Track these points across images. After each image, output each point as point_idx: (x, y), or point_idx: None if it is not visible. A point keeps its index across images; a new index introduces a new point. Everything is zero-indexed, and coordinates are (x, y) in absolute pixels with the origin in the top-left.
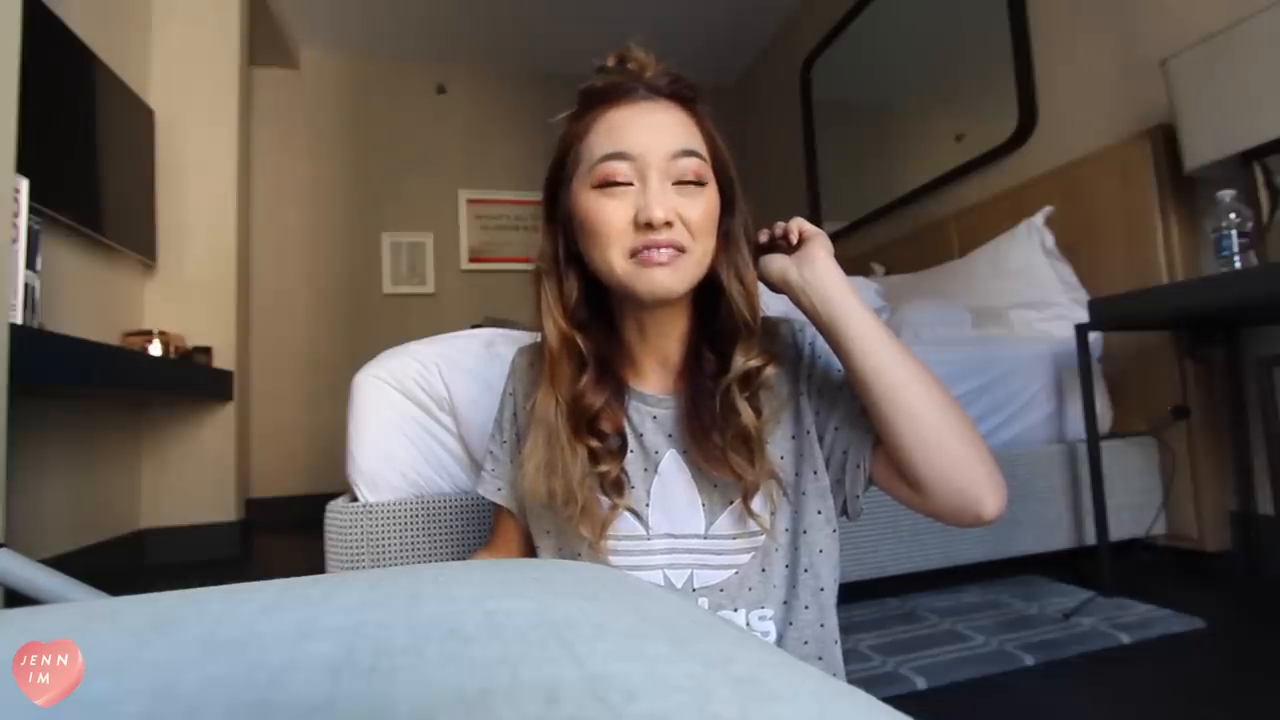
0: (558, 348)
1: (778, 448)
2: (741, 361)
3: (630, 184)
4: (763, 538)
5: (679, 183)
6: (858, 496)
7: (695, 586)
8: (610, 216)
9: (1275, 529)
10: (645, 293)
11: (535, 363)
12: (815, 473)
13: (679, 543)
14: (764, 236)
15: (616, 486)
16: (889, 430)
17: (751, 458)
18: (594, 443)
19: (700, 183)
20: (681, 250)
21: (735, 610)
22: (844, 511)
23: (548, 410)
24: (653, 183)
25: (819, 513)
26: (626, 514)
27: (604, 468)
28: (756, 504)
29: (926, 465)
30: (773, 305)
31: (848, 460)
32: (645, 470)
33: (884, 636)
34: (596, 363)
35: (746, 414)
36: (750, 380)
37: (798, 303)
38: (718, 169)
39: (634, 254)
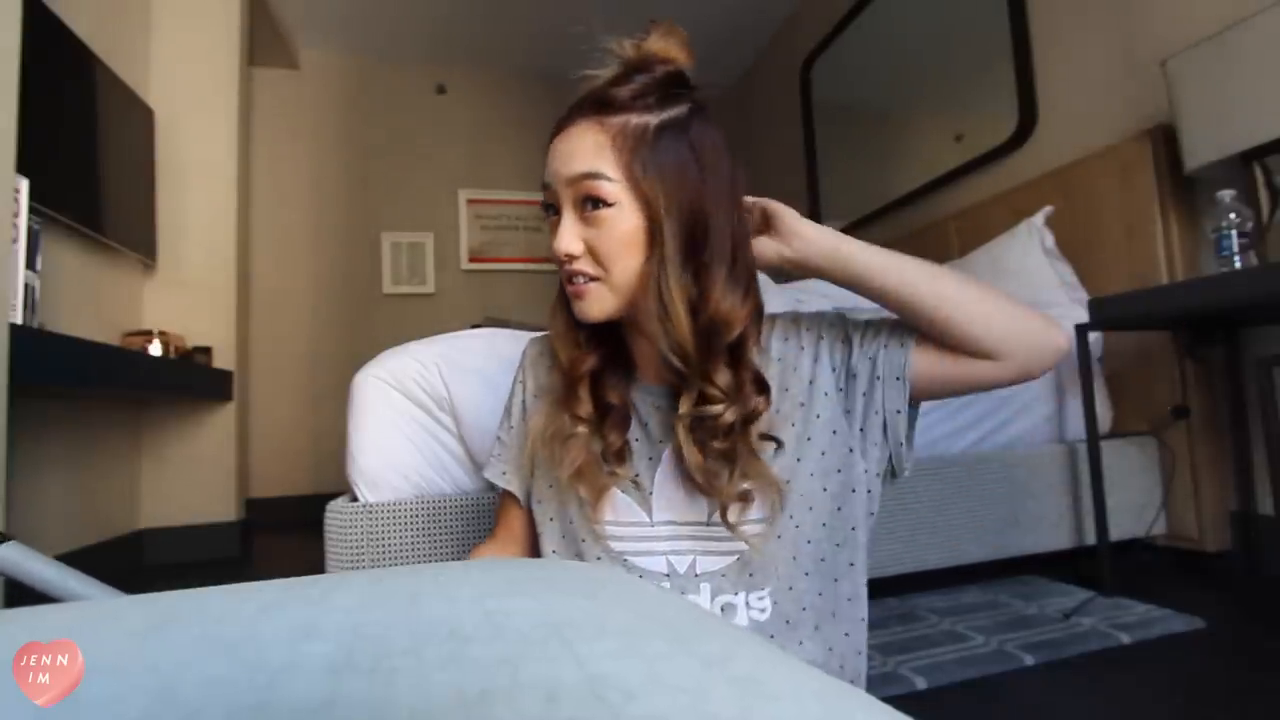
0: (563, 330)
1: (802, 428)
2: (685, 409)
3: (556, 212)
4: (763, 526)
5: (587, 205)
6: (903, 443)
7: (698, 572)
8: (551, 247)
9: (1275, 529)
10: (575, 316)
11: (545, 353)
12: (823, 453)
13: (681, 529)
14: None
15: (618, 456)
16: (950, 325)
17: (731, 472)
18: (590, 411)
19: (605, 204)
20: (595, 279)
21: (736, 594)
22: (893, 474)
23: (555, 383)
24: (563, 215)
25: (824, 489)
26: (631, 502)
27: (608, 436)
28: (752, 511)
29: (998, 332)
30: (773, 303)
31: (885, 413)
32: (650, 459)
33: (884, 636)
34: (594, 335)
35: (692, 456)
36: (704, 424)
37: (808, 272)
38: (639, 191)
39: (564, 279)
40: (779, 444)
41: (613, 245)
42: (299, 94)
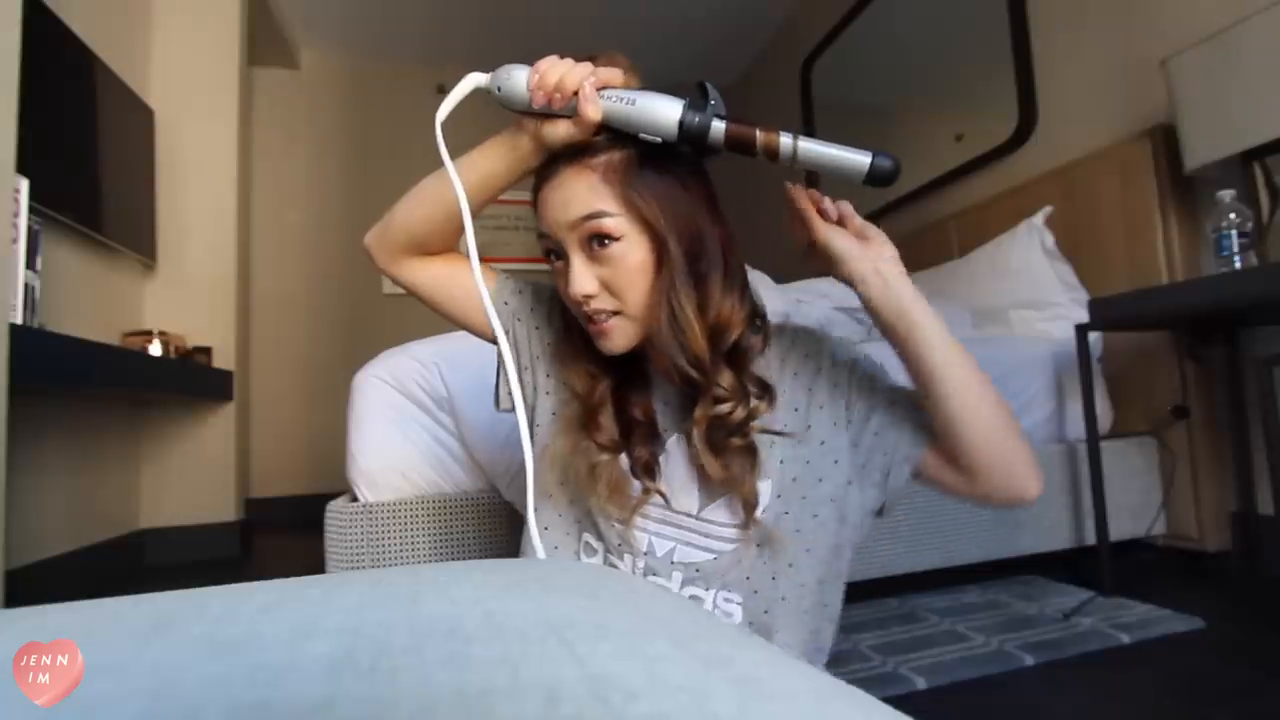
0: (572, 360)
1: (804, 450)
2: (701, 413)
3: (564, 257)
4: (750, 531)
5: (595, 244)
6: (898, 489)
7: (674, 560)
8: (563, 290)
9: (1275, 529)
10: (601, 351)
11: (544, 299)
12: (820, 480)
13: (670, 515)
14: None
15: (647, 470)
16: (952, 422)
17: (753, 466)
18: (614, 435)
19: (613, 238)
20: (615, 312)
21: (707, 590)
22: (879, 512)
23: (575, 410)
24: (572, 259)
25: (815, 516)
26: (633, 479)
27: (635, 451)
28: (735, 507)
29: (985, 453)
30: (773, 303)
31: (893, 461)
32: (655, 443)
33: (884, 636)
34: (604, 356)
35: (711, 465)
36: (719, 424)
37: (867, 297)
38: (641, 218)
39: (583, 319)
40: (778, 434)
41: (626, 277)
42: (299, 94)
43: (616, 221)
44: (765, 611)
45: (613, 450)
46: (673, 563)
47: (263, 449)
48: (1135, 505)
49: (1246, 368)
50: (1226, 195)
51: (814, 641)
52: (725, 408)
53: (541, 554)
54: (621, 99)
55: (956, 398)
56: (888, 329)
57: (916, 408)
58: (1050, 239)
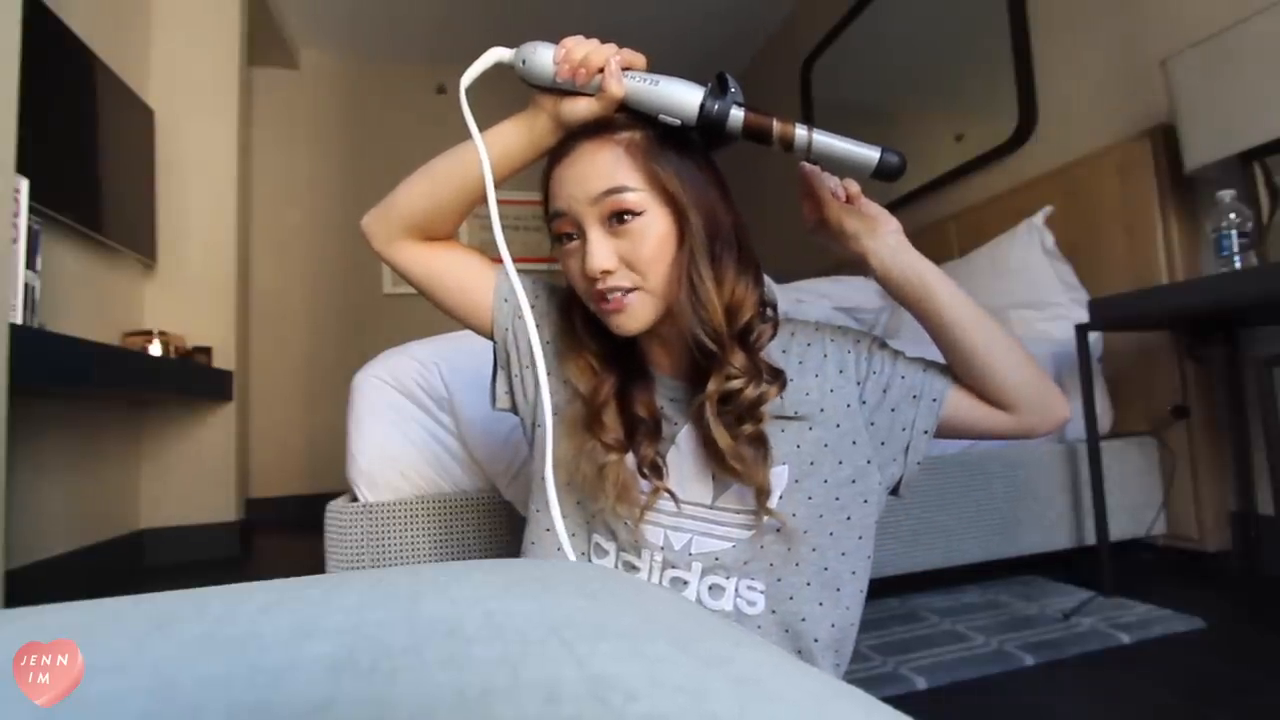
0: (574, 357)
1: (820, 433)
2: (714, 387)
3: (577, 236)
4: (765, 519)
5: (615, 220)
6: (918, 464)
7: (692, 551)
8: (571, 271)
9: (1275, 529)
10: (613, 332)
11: (542, 296)
12: (840, 463)
13: (685, 508)
14: (832, 184)
15: (655, 469)
16: (986, 370)
17: (764, 458)
18: (619, 435)
19: (635, 213)
20: (634, 289)
21: (728, 579)
22: (895, 490)
23: (577, 410)
24: (590, 234)
25: (837, 499)
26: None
27: (641, 449)
28: (749, 495)
29: (1019, 387)
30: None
31: (912, 435)
32: (664, 439)
33: (884, 636)
34: (607, 353)
35: (723, 438)
36: (730, 401)
37: (884, 284)
38: (664, 191)
39: (595, 300)
40: (789, 419)
41: (649, 251)
42: (299, 94)
43: (639, 196)
44: (790, 598)
45: (619, 450)
46: (691, 554)
47: (263, 449)
48: (1135, 505)
49: (1246, 368)
50: (1226, 195)
51: (841, 626)
52: (738, 383)
53: (570, 553)
54: (644, 79)
55: (982, 346)
56: (903, 293)
57: (928, 372)
58: (1050, 239)
